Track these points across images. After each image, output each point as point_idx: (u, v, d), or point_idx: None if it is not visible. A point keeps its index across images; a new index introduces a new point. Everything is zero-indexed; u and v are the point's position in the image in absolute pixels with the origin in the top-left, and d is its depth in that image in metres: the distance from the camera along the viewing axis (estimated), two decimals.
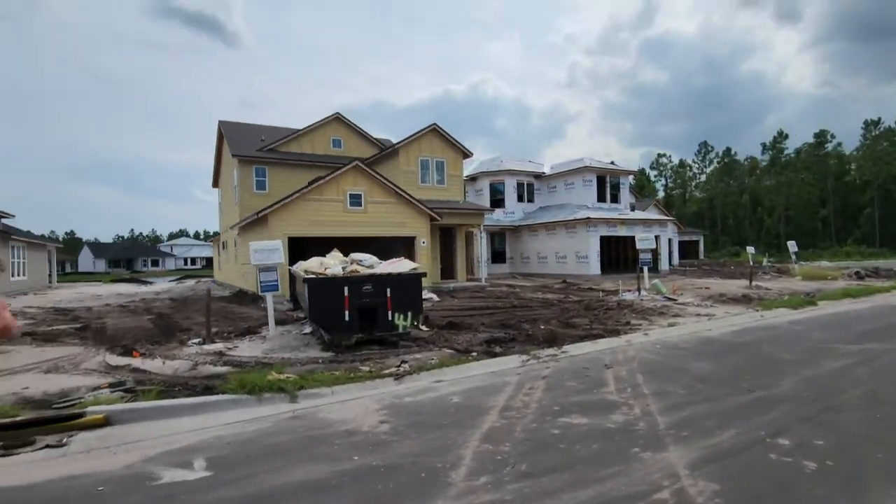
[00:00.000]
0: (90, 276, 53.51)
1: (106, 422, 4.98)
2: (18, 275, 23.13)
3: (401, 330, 8.82)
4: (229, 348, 8.67)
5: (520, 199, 30.18)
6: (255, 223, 16.49)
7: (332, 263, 10.81)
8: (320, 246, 16.00)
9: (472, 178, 30.27)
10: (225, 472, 3.83)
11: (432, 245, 21.01)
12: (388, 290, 8.67)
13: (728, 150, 78.63)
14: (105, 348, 8.70)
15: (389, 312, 8.68)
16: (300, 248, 16.31)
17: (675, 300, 14.35)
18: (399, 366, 7.18)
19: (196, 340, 9.24)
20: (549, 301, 15.06)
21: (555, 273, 25.38)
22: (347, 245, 18.59)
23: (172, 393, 5.99)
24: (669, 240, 31.07)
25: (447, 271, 22.09)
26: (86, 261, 78.40)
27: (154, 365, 7.38)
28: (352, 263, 11.98)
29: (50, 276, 28.92)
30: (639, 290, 15.69)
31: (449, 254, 22.13)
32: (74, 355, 8.15)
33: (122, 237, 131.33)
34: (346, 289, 8.41)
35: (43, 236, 35.71)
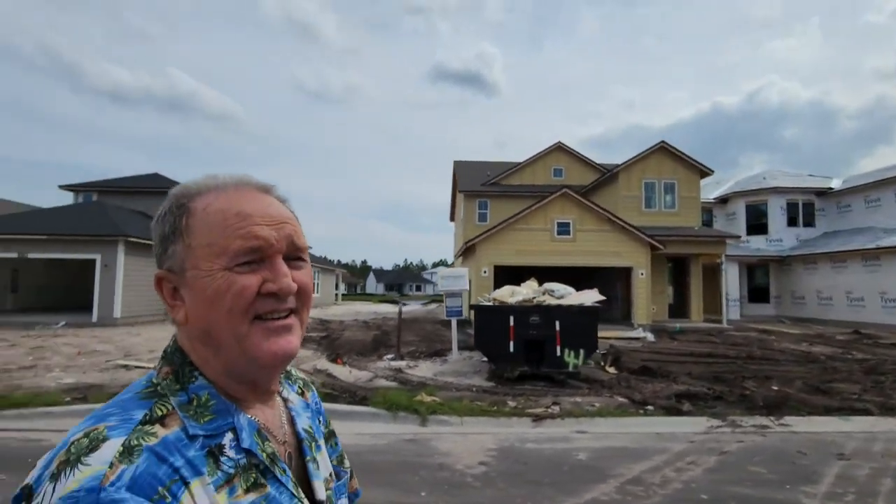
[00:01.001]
0: (368, 297, 66.14)
1: None
2: (313, 293, 30.52)
3: (570, 368, 7.97)
4: (409, 367, 9.35)
5: (791, 222, 24.03)
6: (466, 252, 17.64)
7: (524, 292, 10.63)
8: (529, 276, 16.02)
9: (723, 201, 25.72)
10: None
11: (656, 277, 18.62)
12: (557, 322, 7.99)
13: None
14: (325, 355, 10.52)
15: (558, 348, 7.96)
16: (511, 277, 16.61)
17: None
18: (549, 407, 6.46)
19: (389, 356, 10.31)
20: (810, 356, 11.33)
21: (844, 320, 19.07)
22: (555, 275, 18.08)
23: (339, 398, 6.77)
24: None
25: (679, 308, 19.13)
26: (371, 284, 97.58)
27: (343, 372, 8.52)
28: (543, 293, 11.62)
29: (336, 295, 37.06)
30: None
31: (682, 288, 19.15)
32: (300, 359, 10.10)
33: (398, 265, 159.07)
34: (511, 318, 8.12)
35: (331, 262, 45.94)
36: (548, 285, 12.36)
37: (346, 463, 0.82)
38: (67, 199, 21.40)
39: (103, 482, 0.46)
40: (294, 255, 0.62)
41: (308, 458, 0.68)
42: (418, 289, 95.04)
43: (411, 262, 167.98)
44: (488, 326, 8.34)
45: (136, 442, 0.50)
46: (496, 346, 8.21)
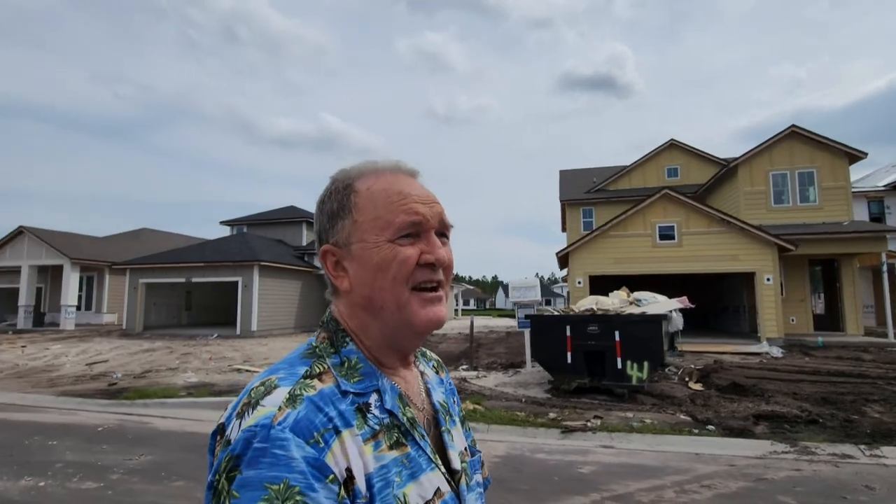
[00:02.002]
0: (491, 312, 66.55)
1: None
2: None
3: (634, 381, 7.40)
4: (478, 377, 9.49)
5: None
6: (561, 261, 17.08)
7: (610, 302, 10.21)
8: (631, 285, 15.04)
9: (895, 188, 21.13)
10: None
11: (792, 283, 16.00)
12: (617, 332, 7.51)
13: None
14: None
15: (619, 359, 7.47)
16: (610, 288, 15.65)
17: None
18: (589, 420, 6.14)
19: (464, 367, 10.55)
20: None
21: None
22: (658, 284, 16.68)
23: None
24: None
25: (828, 319, 16.12)
26: (500, 299, 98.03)
27: None
28: (630, 303, 10.92)
29: (456, 310, 38.18)
30: None
31: (832, 295, 16.14)
32: None
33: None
34: (567, 328, 7.84)
35: (456, 277, 47.22)
36: (637, 294, 11.61)
37: (480, 452, 0.85)
38: (225, 231, 25.78)
39: (273, 420, 0.53)
40: (442, 232, 0.69)
41: (443, 428, 0.72)
42: (548, 303, 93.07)
43: (542, 276, 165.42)
44: (545, 337, 8.14)
45: (298, 392, 0.57)
46: (553, 357, 7.98)
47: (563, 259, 16.35)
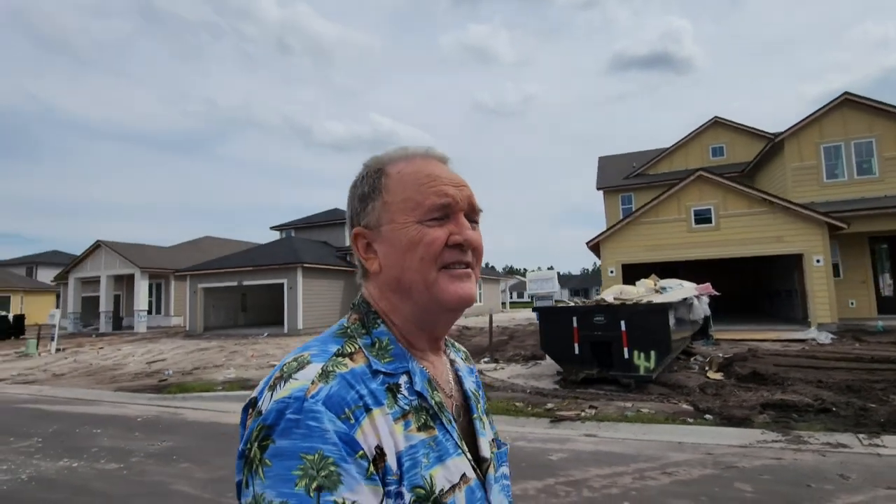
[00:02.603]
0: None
1: None
2: (476, 301, 32.18)
3: (642, 371, 7.32)
4: (495, 369, 9.66)
5: None
6: (595, 251, 16.75)
7: (634, 291, 10.08)
8: (664, 273, 14.59)
9: None
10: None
11: (852, 263, 14.83)
12: (623, 322, 7.45)
13: None
14: None
15: (625, 349, 7.41)
16: (644, 276, 15.17)
17: None
18: (583, 410, 6.19)
19: (485, 359, 10.74)
20: None
21: None
22: (695, 270, 15.99)
23: None
24: None
25: (891, 300, 14.81)
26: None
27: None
28: (656, 291, 10.69)
29: (504, 303, 38.18)
30: None
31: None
32: None
33: (586, 269, 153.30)
34: (574, 319, 7.86)
35: (496, 271, 47.07)
36: (664, 282, 11.33)
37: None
38: (275, 235, 27.28)
39: (307, 393, 0.54)
40: (471, 216, 0.69)
41: (475, 415, 0.72)
42: (596, 293, 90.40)
43: (599, 266, 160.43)
44: (552, 328, 8.19)
45: (331, 368, 0.58)
46: (561, 348, 8.02)
47: (596, 248, 16.05)
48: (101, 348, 16.54)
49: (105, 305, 23.96)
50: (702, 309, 9.76)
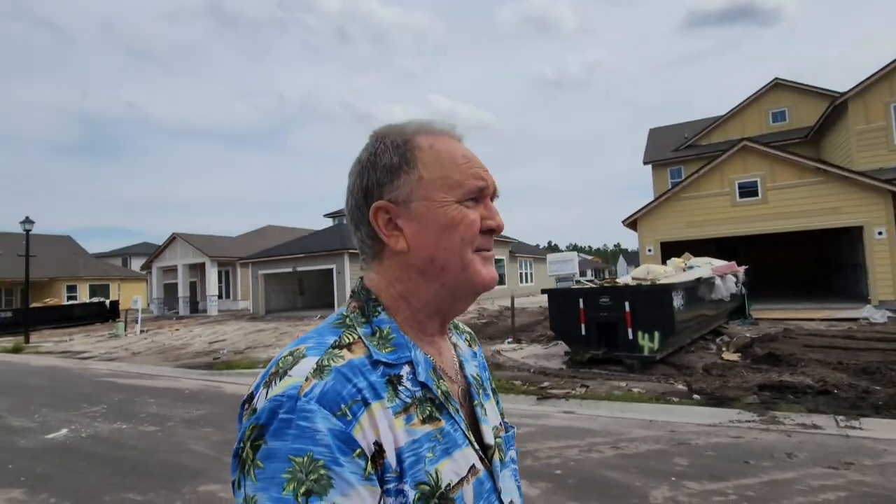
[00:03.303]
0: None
1: None
2: (525, 281, 32.06)
3: (646, 352, 7.36)
4: (514, 349, 9.97)
5: None
6: (632, 227, 16.29)
7: (661, 271, 10.01)
8: (706, 250, 14.06)
9: None
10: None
11: None
12: (627, 304, 7.51)
13: None
14: None
15: (629, 330, 7.47)
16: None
17: None
18: (573, 389, 6.42)
19: (509, 339, 11.05)
20: None
21: None
22: (741, 246, 15.09)
23: None
24: None
25: None
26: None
27: None
28: (686, 269, 10.50)
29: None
30: None
31: None
32: None
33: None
34: (580, 301, 7.99)
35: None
36: (694, 260, 11.07)
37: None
38: (329, 222, 28.77)
39: (300, 392, 0.52)
40: (494, 199, 0.69)
41: (476, 402, 0.69)
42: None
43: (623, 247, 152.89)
44: (560, 310, 8.36)
45: (326, 362, 0.55)
46: (569, 329, 8.19)
47: (634, 226, 15.65)
48: (177, 330, 18.58)
49: (182, 291, 26.63)
50: (726, 288, 9.45)
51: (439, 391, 0.62)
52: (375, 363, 0.58)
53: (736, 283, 10.26)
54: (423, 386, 0.61)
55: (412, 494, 0.54)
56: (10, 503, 3.76)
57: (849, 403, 5.24)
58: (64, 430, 5.63)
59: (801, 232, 13.63)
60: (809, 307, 12.64)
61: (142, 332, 18.05)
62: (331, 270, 20.71)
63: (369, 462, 0.52)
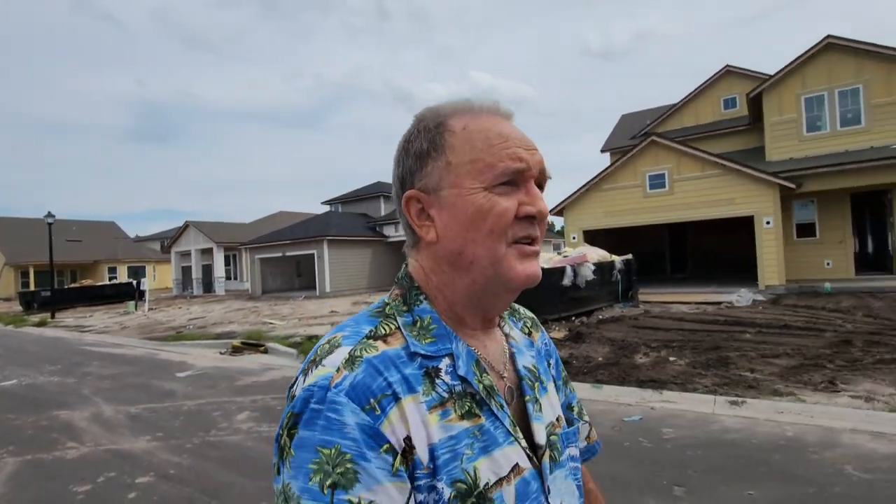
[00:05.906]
0: None
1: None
2: None
3: None
4: None
5: None
6: (559, 216, 17.48)
7: (547, 258, 11.66)
8: (620, 238, 15.28)
9: None
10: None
11: (832, 223, 14.17)
12: None
13: None
14: None
15: None
16: (608, 241, 15.60)
17: None
18: None
19: None
20: None
21: None
22: (650, 234, 16.06)
23: None
24: None
25: (874, 260, 13.91)
26: None
27: None
28: (564, 257, 12.00)
29: None
30: None
31: (880, 232, 13.84)
32: None
33: None
34: None
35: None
36: (581, 248, 12.53)
37: (586, 417, 0.80)
38: (326, 208, 31.14)
39: (331, 382, 0.52)
40: (539, 183, 0.62)
41: (528, 397, 0.65)
42: None
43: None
44: None
45: (358, 353, 0.55)
46: None
47: (562, 214, 16.93)
48: (179, 307, 21.50)
49: (195, 273, 29.92)
50: (581, 276, 10.87)
51: (481, 386, 0.59)
52: (412, 355, 0.57)
53: (609, 272, 11.66)
54: (463, 380, 0.58)
55: (448, 492, 0.53)
56: None
57: (593, 377, 6.68)
58: (14, 381, 8.05)
59: (706, 221, 14.50)
60: (695, 291, 13.74)
61: (150, 309, 21.06)
62: (313, 255, 23.06)
63: (398, 458, 0.51)
